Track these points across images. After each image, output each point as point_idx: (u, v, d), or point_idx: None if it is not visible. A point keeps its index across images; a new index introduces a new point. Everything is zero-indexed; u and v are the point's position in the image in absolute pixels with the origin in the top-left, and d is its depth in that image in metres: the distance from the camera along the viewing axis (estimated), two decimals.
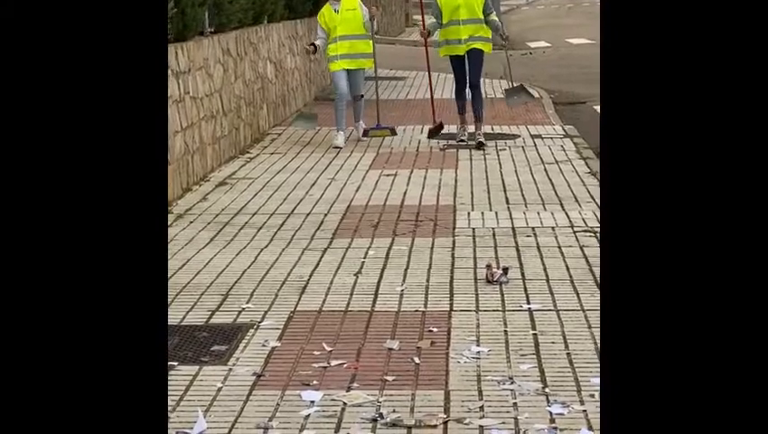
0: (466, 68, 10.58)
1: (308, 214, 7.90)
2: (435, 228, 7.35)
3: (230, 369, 4.72)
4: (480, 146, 10.30)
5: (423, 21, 10.99)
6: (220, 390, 4.47)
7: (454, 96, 11.10)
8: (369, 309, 5.59)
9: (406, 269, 6.35)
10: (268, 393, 4.43)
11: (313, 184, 9.10)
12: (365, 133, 11.09)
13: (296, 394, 4.40)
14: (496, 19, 10.74)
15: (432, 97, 11.74)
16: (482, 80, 10.88)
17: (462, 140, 10.58)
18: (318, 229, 7.44)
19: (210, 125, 9.85)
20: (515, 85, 11.26)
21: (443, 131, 11.32)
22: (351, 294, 5.86)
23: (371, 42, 10.98)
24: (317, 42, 10.81)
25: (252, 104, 11.69)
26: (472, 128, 10.77)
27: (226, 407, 4.30)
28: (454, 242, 6.94)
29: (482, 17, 10.52)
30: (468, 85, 10.61)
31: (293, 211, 8.06)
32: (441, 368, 4.68)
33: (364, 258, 6.62)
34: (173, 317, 5.48)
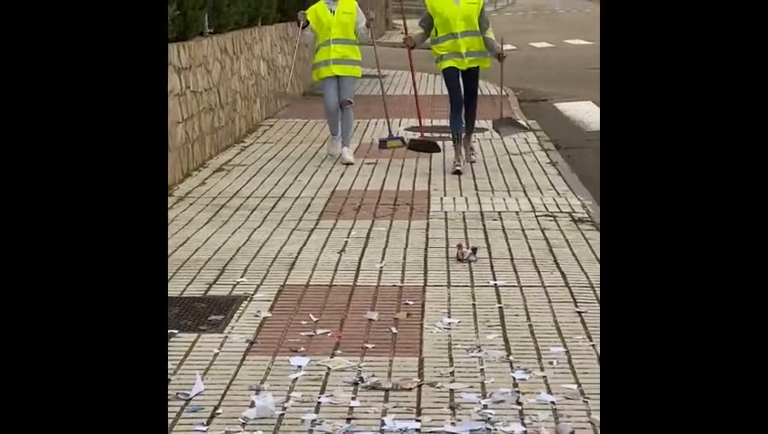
0: (461, 86, 8.51)
1: (297, 198, 7.87)
2: (411, 211, 7.34)
3: (226, 337, 4.73)
4: (472, 162, 8.81)
5: (405, 27, 9.10)
6: (216, 355, 4.48)
7: (448, 121, 9.10)
8: (351, 284, 5.60)
9: (384, 248, 6.36)
10: (260, 359, 4.45)
11: (302, 171, 9.05)
12: (382, 144, 9.36)
13: (285, 360, 4.41)
14: (492, 37, 8.52)
15: (419, 115, 9.85)
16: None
17: (458, 171, 8.56)
18: (306, 211, 7.42)
19: (209, 116, 9.84)
20: (503, 117, 9.38)
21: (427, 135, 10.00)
22: (335, 270, 5.87)
23: (359, 48, 8.95)
24: (308, 31, 8.87)
25: (247, 98, 11.64)
26: (462, 154, 8.97)
27: (222, 371, 4.31)
28: (428, 224, 6.94)
29: (479, 29, 8.36)
30: (463, 111, 8.66)
31: (283, 194, 8.02)
32: (416, 337, 4.70)
33: (347, 237, 6.62)
34: (174, 290, 5.50)
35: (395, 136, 9.32)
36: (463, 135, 8.78)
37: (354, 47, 8.69)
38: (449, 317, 4.96)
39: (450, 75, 8.29)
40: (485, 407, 3.89)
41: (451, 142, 9.30)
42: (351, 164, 8.86)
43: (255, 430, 3.73)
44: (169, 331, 4.83)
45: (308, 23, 8.67)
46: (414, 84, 9.85)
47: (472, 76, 8.30)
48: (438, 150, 9.30)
